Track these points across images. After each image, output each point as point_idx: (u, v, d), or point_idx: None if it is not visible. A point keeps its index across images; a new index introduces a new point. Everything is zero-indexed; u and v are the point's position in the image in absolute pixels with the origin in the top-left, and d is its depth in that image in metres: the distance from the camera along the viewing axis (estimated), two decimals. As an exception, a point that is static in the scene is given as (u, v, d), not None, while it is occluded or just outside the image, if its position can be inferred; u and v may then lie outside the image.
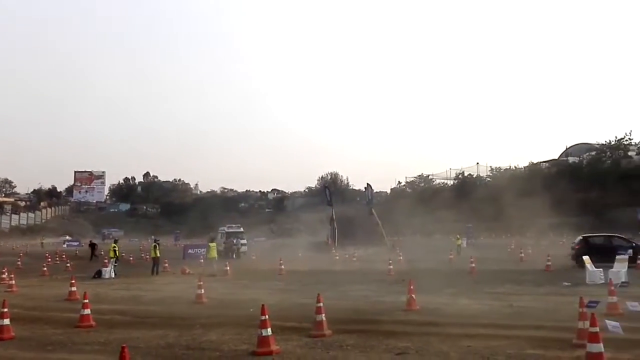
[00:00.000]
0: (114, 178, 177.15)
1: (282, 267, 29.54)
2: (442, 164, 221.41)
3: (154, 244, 32.69)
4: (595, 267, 21.31)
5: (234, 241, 48.21)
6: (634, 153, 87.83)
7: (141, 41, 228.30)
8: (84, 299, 14.77)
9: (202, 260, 37.59)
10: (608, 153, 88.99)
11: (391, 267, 27.43)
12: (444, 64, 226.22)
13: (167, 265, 32.54)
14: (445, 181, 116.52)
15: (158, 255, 31.66)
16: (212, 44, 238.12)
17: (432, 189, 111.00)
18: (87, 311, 14.36)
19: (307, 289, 19.22)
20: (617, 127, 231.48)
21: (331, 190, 68.71)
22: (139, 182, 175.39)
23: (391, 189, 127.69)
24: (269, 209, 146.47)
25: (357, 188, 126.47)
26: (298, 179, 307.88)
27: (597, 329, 8.49)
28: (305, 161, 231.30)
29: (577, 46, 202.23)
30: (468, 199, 76.54)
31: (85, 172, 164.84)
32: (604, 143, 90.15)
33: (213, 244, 32.68)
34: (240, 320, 13.94)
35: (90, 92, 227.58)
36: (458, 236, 45.05)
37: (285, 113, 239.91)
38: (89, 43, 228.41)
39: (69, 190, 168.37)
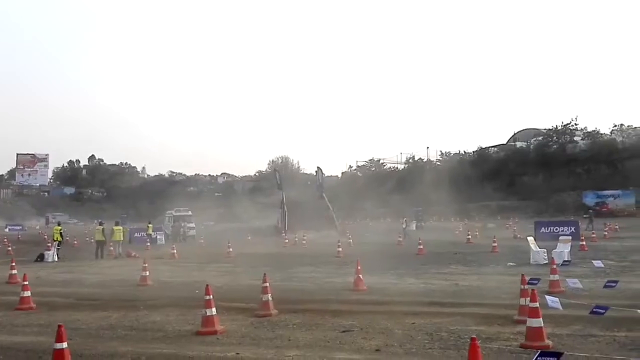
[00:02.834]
0: (57, 161, 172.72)
1: (231, 250, 29.35)
2: (393, 149, 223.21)
3: (99, 227, 32.10)
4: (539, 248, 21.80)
5: (182, 224, 47.93)
6: (580, 138, 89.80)
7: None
8: (24, 281, 14.52)
9: (148, 244, 37.22)
10: (555, 138, 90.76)
11: (340, 249, 27.48)
12: (395, 49, 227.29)
13: (112, 248, 31.94)
14: (396, 165, 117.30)
15: (103, 238, 31.15)
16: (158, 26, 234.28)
17: (383, 173, 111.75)
18: (27, 293, 14.26)
19: (254, 271, 19.10)
20: (563, 112, 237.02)
21: (281, 174, 68.33)
22: (84, 166, 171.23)
23: (342, 173, 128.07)
24: (219, 193, 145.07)
25: (307, 172, 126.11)
26: (248, 162, 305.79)
27: (537, 305, 8.64)
28: (256, 145, 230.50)
29: (524, 32, 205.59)
30: (418, 183, 77.33)
31: (28, 154, 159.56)
32: (551, 128, 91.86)
33: (118, 227, 32.28)
34: (186, 301, 13.80)
35: (35, 73, 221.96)
36: (406, 219, 46.01)
37: (233, 95, 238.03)
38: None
39: (11, 174, 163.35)
